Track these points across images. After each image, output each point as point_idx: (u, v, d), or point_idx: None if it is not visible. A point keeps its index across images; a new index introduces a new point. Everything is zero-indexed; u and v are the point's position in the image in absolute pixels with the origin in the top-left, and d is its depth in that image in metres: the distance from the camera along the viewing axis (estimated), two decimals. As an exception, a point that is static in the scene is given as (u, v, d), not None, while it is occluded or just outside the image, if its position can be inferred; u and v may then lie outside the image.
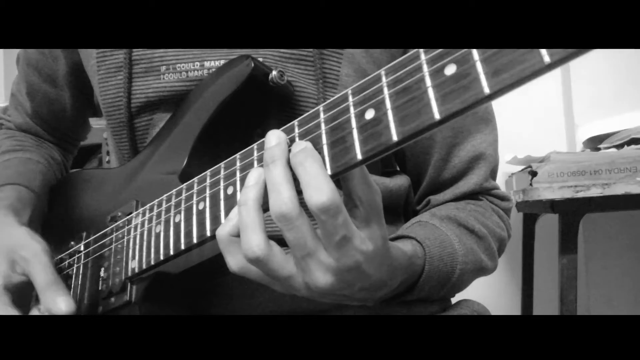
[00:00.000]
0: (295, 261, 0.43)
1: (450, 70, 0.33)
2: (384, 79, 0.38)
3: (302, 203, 0.40)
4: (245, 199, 0.43)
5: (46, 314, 0.56)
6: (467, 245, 0.62)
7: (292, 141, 0.43)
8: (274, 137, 0.43)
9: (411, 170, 0.72)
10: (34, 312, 0.58)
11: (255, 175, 0.43)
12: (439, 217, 0.64)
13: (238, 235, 0.44)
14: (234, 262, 0.45)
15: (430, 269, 0.57)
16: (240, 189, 0.45)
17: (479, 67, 0.32)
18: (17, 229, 0.61)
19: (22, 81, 0.83)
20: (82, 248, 0.65)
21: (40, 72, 0.80)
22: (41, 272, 0.56)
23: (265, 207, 0.43)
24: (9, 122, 0.86)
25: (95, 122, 0.90)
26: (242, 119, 0.60)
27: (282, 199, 0.41)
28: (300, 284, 0.44)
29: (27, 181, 0.72)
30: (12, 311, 0.56)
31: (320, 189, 0.39)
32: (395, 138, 0.36)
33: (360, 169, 0.41)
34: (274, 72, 0.57)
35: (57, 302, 0.55)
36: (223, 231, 0.44)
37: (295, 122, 0.43)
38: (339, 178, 0.41)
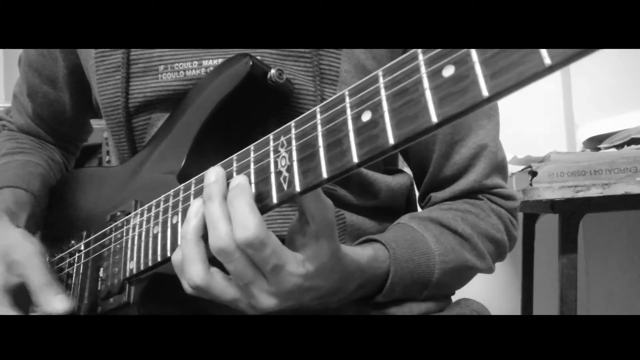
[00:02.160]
0: (239, 287, 0.46)
1: (448, 71, 0.33)
2: (381, 80, 0.37)
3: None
4: (185, 231, 0.46)
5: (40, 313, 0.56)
6: (445, 244, 0.62)
7: (288, 143, 0.43)
8: (213, 174, 0.46)
9: (415, 166, 0.71)
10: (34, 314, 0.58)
11: (195, 208, 0.46)
12: (418, 219, 0.64)
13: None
14: (185, 286, 0.48)
15: (396, 270, 0.58)
16: None
17: (478, 69, 0.31)
18: (11, 231, 0.61)
19: (23, 82, 0.83)
20: (82, 247, 0.65)
21: (40, 73, 0.80)
22: (34, 275, 0.56)
23: (205, 237, 0.45)
24: (11, 123, 0.86)
25: (95, 122, 0.91)
26: (241, 118, 0.60)
27: (219, 235, 0.43)
28: (245, 306, 0.47)
29: (25, 184, 0.72)
30: (13, 312, 0.56)
31: (246, 225, 0.42)
32: (391, 142, 0.35)
33: (316, 190, 0.43)
34: (273, 71, 0.57)
35: (52, 302, 0.55)
36: (175, 258, 0.48)
37: (292, 122, 0.43)
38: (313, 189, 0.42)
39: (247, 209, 0.43)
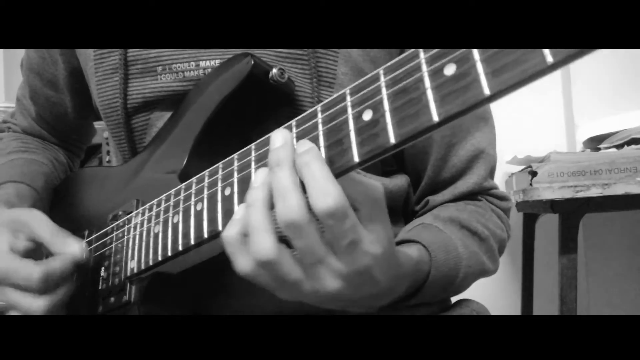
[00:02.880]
0: (304, 267, 0.42)
1: (449, 70, 0.33)
2: (382, 79, 0.37)
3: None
4: (252, 199, 0.41)
5: (58, 269, 0.55)
6: (470, 248, 0.61)
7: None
8: (280, 138, 0.41)
9: (410, 170, 0.71)
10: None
11: (261, 175, 0.42)
12: (442, 220, 0.63)
13: (245, 237, 0.42)
14: (243, 264, 0.43)
15: (435, 275, 0.56)
16: (238, 190, 0.45)
17: (479, 67, 0.31)
18: (11, 210, 0.62)
19: (26, 86, 0.84)
20: None
21: (41, 76, 0.81)
22: (43, 227, 0.57)
23: (273, 207, 0.41)
24: (16, 125, 0.88)
25: (95, 122, 0.91)
26: (242, 117, 0.60)
27: (291, 206, 0.39)
28: (308, 289, 0.43)
29: (29, 180, 0.73)
30: (20, 264, 0.56)
31: (327, 193, 0.38)
32: (392, 141, 0.35)
33: (353, 173, 0.40)
34: (274, 70, 0.57)
35: (68, 244, 0.56)
36: (230, 233, 0.43)
37: (293, 121, 0.43)
38: None
39: (328, 175, 0.38)
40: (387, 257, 0.43)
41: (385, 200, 0.43)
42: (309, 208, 0.39)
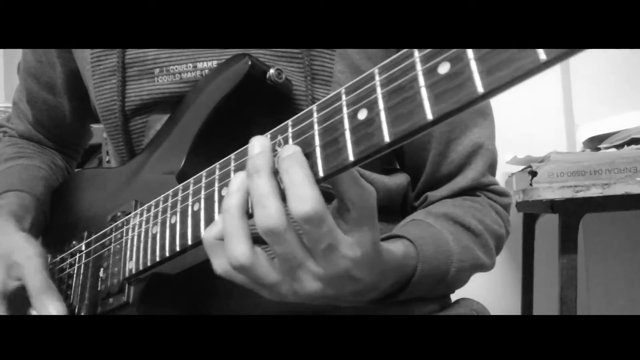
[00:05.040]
0: (282, 270, 0.43)
1: (443, 68, 0.33)
2: (377, 78, 0.37)
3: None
4: (228, 205, 0.42)
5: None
6: (462, 243, 0.61)
7: (285, 141, 0.43)
8: (258, 145, 0.42)
9: (409, 167, 0.71)
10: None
11: (237, 181, 0.42)
12: (433, 215, 0.63)
13: (222, 239, 0.43)
14: (219, 264, 0.44)
15: (423, 269, 0.56)
16: None
17: (473, 65, 0.31)
18: (15, 235, 0.62)
19: (23, 89, 0.84)
20: (83, 247, 0.65)
21: (39, 80, 0.81)
22: (33, 277, 0.57)
23: (249, 213, 0.42)
24: (12, 129, 0.87)
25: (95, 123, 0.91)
26: (240, 118, 0.60)
27: (269, 214, 0.39)
28: (287, 290, 0.44)
29: (29, 187, 0.73)
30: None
31: (304, 199, 0.38)
32: (387, 139, 0.35)
33: (349, 171, 0.40)
34: (272, 71, 0.57)
35: (47, 307, 0.56)
36: (208, 234, 0.44)
37: (289, 121, 0.43)
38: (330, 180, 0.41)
39: (306, 180, 0.39)
40: (369, 258, 0.44)
41: (376, 207, 0.43)
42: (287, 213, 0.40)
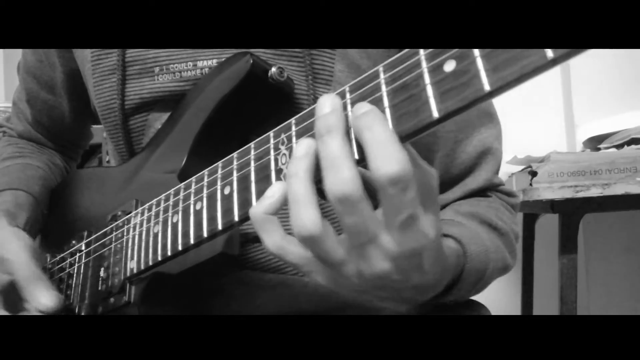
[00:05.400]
0: (350, 246, 0.38)
1: (449, 66, 0.33)
2: (382, 76, 0.37)
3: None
4: (295, 170, 0.37)
5: (35, 313, 0.55)
6: (494, 242, 0.59)
7: (288, 139, 0.42)
8: (328, 104, 0.37)
9: None
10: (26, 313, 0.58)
11: (304, 145, 0.38)
12: (462, 214, 0.61)
13: (274, 214, 0.40)
14: (272, 241, 0.40)
15: (470, 269, 0.53)
16: (237, 189, 0.45)
17: (479, 63, 0.31)
18: (3, 230, 0.61)
19: (22, 89, 0.84)
20: (83, 247, 0.65)
21: (38, 79, 0.81)
22: (21, 270, 0.56)
23: (316, 181, 0.38)
24: (11, 129, 0.87)
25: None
26: (241, 116, 0.60)
27: (343, 178, 0.35)
28: (351, 271, 0.39)
29: (26, 186, 0.73)
30: (1, 312, 0.56)
31: (392, 158, 0.34)
32: None
33: (408, 150, 0.36)
34: (273, 69, 0.57)
35: (38, 297, 0.55)
36: (258, 210, 0.40)
37: (293, 119, 0.43)
38: None
39: (393, 138, 0.34)
40: (437, 245, 0.40)
41: (437, 190, 0.40)
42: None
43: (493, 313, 0.70)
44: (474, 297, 0.70)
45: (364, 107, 0.36)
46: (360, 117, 0.35)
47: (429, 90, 0.34)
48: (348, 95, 0.39)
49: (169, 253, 0.50)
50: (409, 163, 0.34)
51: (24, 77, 0.83)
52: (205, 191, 0.48)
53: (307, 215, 0.37)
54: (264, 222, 0.39)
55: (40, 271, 0.57)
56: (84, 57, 0.70)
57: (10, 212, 0.67)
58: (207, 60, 0.63)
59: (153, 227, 0.53)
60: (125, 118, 0.67)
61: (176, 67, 0.64)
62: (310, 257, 0.39)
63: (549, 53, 0.28)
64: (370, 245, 0.37)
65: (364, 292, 0.41)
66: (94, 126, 0.92)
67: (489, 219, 0.61)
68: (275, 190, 0.40)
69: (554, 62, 0.28)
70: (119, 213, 0.60)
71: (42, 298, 0.55)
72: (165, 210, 0.52)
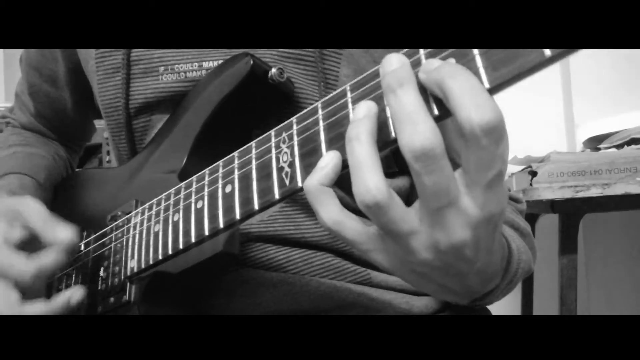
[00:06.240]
0: (425, 213, 0.35)
1: None
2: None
3: None
4: (356, 132, 0.35)
5: (57, 255, 0.54)
6: (517, 242, 0.54)
7: (290, 138, 0.42)
8: (395, 61, 0.34)
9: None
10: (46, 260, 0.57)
11: (364, 107, 0.35)
12: None
13: (329, 185, 0.37)
14: (327, 215, 0.37)
15: (512, 264, 0.49)
16: (239, 188, 0.45)
17: (478, 61, 0.31)
18: (8, 197, 0.62)
19: (25, 81, 0.84)
20: (82, 247, 0.65)
21: (40, 72, 0.81)
22: (35, 215, 0.56)
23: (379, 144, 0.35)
24: (15, 120, 0.87)
25: (96, 122, 0.91)
26: (242, 117, 0.60)
27: (423, 131, 0.32)
28: (422, 243, 0.35)
29: (31, 172, 0.73)
30: (15, 259, 0.55)
31: (486, 104, 0.31)
32: (394, 135, 0.35)
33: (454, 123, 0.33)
34: (274, 70, 0.57)
35: (56, 233, 0.54)
36: (311, 182, 0.37)
37: (294, 118, 0.43)
38: None
39: (481, 86, 0.31)
40: (503, 218, 0.37)
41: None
42: None
43: (493, 313, 0.70)
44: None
45: (437, 61, 0.33)
46: (439, 68, 0.32)
47: (429, 89, 0.34)
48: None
49: (170, 252, 0.51)
50: (501, 113, 0.31)
51: (26, 70, 0.83)
52: (206, 190, 0.48)
53: (372, 180, 0.34)
54: (319, 193, 0.37)
55: (51, 215, 0.57)
56: (88, 54, 0.70)
57: (14, 192, 0.67)
58: (212, 61, 0.63)
59: (154, 226, 0.53)
60: (129, 117, 0.67)
61: (181, 68, 0.64)
62: (371, 233, 0.37)
63: (547, 50, 0.29)
64: (450, 210, 0.34)
65: (426, 275, 0.38)
66: (95, 125, 0.92)
67: (511, 219, 0.58)
68: (328, 160, 0.37)
69: (552, 60, 0.29)
70: (119, 213, 0.60)
71: (59, 233, 0.54)
72: (166, 209, 0.52)
